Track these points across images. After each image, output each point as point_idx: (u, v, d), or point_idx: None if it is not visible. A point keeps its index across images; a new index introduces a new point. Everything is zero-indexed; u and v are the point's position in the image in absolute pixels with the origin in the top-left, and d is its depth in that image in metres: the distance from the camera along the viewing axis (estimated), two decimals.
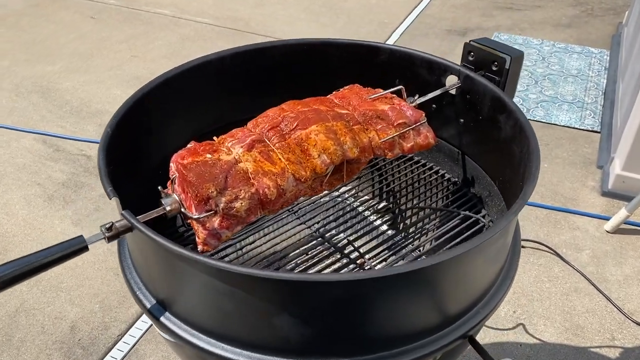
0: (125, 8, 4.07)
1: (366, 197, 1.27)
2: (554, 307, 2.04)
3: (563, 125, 2.96)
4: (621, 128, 2.64)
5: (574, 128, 2.95)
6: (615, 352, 1.88)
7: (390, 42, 3.73)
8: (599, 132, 2.91)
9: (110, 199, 0.81)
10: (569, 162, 2.73)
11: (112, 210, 2.25)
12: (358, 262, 1.03)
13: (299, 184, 0.90)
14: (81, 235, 0.78)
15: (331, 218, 1.16)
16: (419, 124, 1.02)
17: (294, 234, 1.08)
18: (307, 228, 1.10)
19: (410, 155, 1.27)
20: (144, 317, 1.97)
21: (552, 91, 3.25)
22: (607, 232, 2.34)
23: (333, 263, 1.04)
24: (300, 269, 1.04)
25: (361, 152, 0.96)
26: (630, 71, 2.91)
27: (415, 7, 4.26)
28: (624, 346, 1.90)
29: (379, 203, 1.23)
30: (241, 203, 0.83)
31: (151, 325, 1.94)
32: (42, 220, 2.28)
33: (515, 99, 2.01)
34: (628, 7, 3.94)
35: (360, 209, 1.23)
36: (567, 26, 4.03)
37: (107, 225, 0.78)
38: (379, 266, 1.02)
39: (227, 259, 1.05)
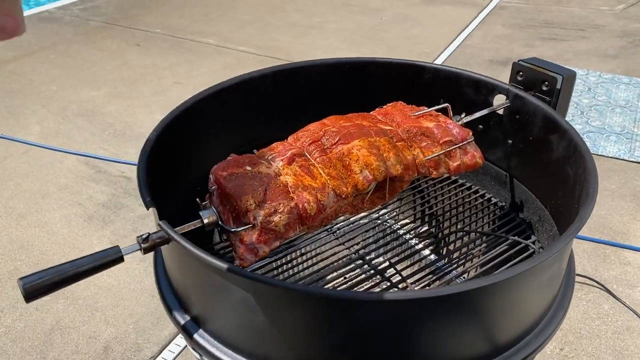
0: (170, 37, 4.18)
1: (407, 220, 1.23)
2: (605, 347, 1.92)
3: (611, 157, 2.86)
4: None
5: (623, 160, 2.84)
6: None
7: None
8: None
9: (148, 209, 0.79)
10: (619, 194, 2.62)
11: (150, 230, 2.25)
12: (400, 286, 0.98)
13: (339, 200, 0.87)
14: (117, 246, 0.76)
15: (371, 240, 1.12)
16: (465, 142, 0.98)
17: (332, 254, 1.04)
18: (346, 249, 1.06)
19: (454, 178, 1.23)
20: (177, 340, 1.94)
21: (598, 122, 3.15)
22: None
23: (373, 286, 1.00)
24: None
25: (405, 169, 0.92)
26: None
27: (457, 37, 4.24)
28: None
29: (421, 226, 1.18)
30: (280, 217, 0.80)
31: (184, 347, 1.91)
32: (81, 239, 2.30)
33: None
34: None
35: (401, 232, 1.18)
36: (613, 57, 3.93)
37: (143, 236, 0.76)
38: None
39: None
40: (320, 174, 0.86)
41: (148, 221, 2.44)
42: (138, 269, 2.13)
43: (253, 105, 1.13)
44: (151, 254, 0.90)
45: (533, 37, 4.19)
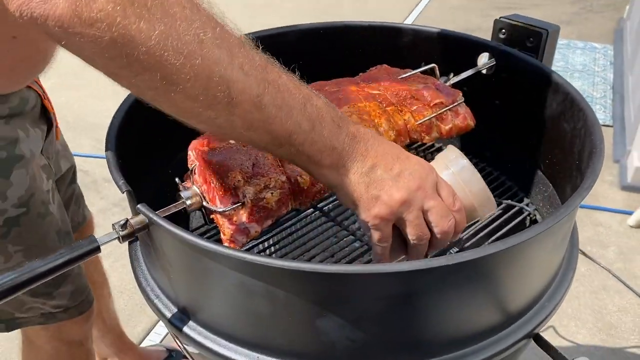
0: None
1: None
2: (584, 307, 1.94)
3: None
4: (636, 121, 2.56)
5: None
6: None
7: None
8: (611, 126, 2.83)
9: (123, 192, 0.71)
10: None
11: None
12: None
13: None
14: (91, 235, 0.68)
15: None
16: (456, 103, 0.93)
17: (322, 232, 0.98)
18: (336, 225, 1.00)
19: (438, 145, 1.18)
20: (151, 336, 1.86)
21: None
22: (631, 226, 2.25)
23: (369, 262, 0.94)
24: None
25: (397, 135, 0.86)
26: None
27: (413, 9, 4.21)
28: None
29: None
30: (271, 193, 0.73)
31: (164, 337, 1.83)
32: None
33: None
34: (628, 2, 3.90)
35: None
36: (567, 23, 3.98)
37: (121, 223, 0.67)
38: None
39: None
40: None
41: (109, 215, 2.32)
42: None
43: None
44: (124, 246, 0.82)
45: (489, 7, 4.19)
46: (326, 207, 1.03)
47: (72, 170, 1.24)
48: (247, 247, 0.96)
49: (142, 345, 1.80)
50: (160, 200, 0.80)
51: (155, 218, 0.65)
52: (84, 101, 3.04)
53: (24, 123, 0.93)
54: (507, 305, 0.71)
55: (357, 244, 0.96)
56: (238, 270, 0.63)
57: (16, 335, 1.18)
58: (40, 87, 1.01)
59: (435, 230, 0.66)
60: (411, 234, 0.66)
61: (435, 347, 0.67)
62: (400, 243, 0.69)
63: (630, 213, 2.27)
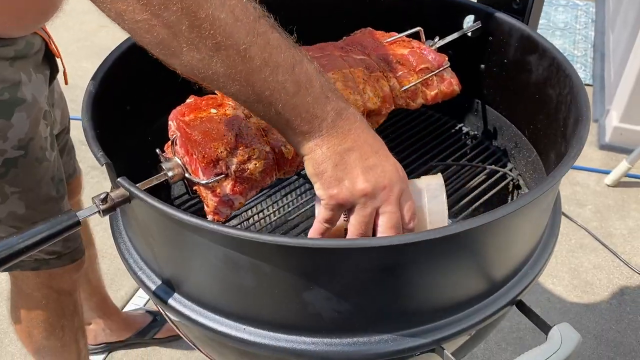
0: None
1: None
2: (561, 265, 1.99)
3: None
4: (615, 80, 2.57)
5: None
6: (625, 308, 1.84)
7: None
8: (591, 85, 2.84)
9: (102, 165, 0.69)
10: None
11: (93, 193, 2.11)
12: None
13: None
14: (70, 210, 0.66)
15: None
16: (442, 68, 0.91)
17: (306, 200, 0.97)
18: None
19: (421, 110, 1.16)
20: (135, 300, 1.86)
21: None
22: (608, 185, 2.28)
23: None
24: None
25: (382, 102, 0.85)
26: (621, 22, 2.84)
27: None
28: (634, 300, 1.86)
29: None
30: (255, 164, 0.72)
31: (146, 302, 1.83)
32: None
33: None
34: None
35: None
36: None
37: (101, 197, 0.66)
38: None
39: None
40: None
41: (88, 178, 2.28)
42: None
43: None
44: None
45: None
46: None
47: (67, 120, 1.23)
48: (231, 216, 0.95)
49: (126, 308, 1.81)
50: (141, 169, 0.79)
51: (136, 192, 0.64)
52: None
53: (27, 67, 0.94)
54: (492, 274, 0.71)
55: None
56: (222, 244, 0.62)
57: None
58: (46, 32, 1.01)
59: (377, 235, 0.65)
60: (354, 227, 0.64)
61: (420, 316, 0.68)
62: (339, 228, 0.68)
63: (607, 172, 2.31)
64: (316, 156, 0.62)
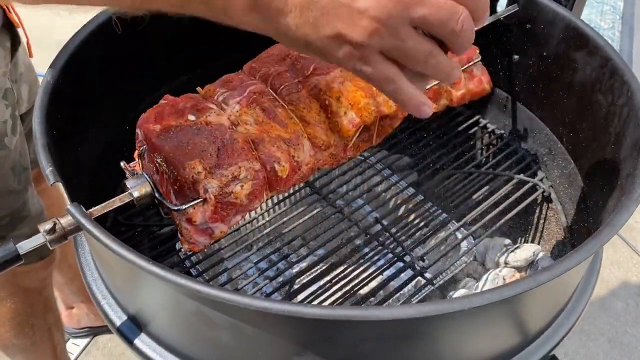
0: None
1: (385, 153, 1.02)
2: None
3: None
4: None
5: None
6: None
7: None
8: None
9: (51, 184, 0.56)
10: None
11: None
12: (402, 255, 0.79)
13: (317, 153, 0.65)
14: (10, 243, 0.53)
15: (344, 188, 0.92)
16: (472, 63, 0.77)
17: (306, 207, 0.84)
18: (322, 199, 0.86)
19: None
20: None
21: None
22: None
23: (358, 250, 0.81)
24: (319, 256, 0.81)
25: (399, 105, 0.71)
26: None
27: None
28: None
29: (401, 160, 0.98)
30: (241, 186, 0.58)
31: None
32: None
33: None
34: None
35: (379, 166, 0.98)
36: None
37: (47, 227, 0.53)
38: (421, 251, 0.79)
39: (217, 245, 0.80)
40: (291, 118, 0.64)
41: None
42: None
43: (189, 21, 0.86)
44: None
45: None
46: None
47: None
48: None
49: None
50: (109, 185, 0.66)
51: (86, 224, 0.51)
52: (48, 17, 2.77)
53: None
54: (524, 330, 0.59)
55: (344, 225, 0.83)
56: (193, 298, 0.50)
57: None
58: None
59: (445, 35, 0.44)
60: (411, 59, 0.45)
61: None
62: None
63: None
64: (283, 33, 0.45)
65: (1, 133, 0.85)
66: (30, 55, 0.98)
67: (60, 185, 0.55)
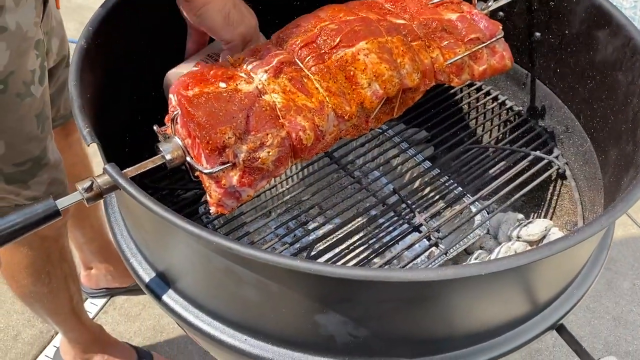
0: None
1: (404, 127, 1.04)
2: None
3: None
4: None
5: None
6: None
7: None
8: None
9: (89, 145, 0.58)
10: None
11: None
12: (418, 226, 0.81)
13: (340, 123, 0.67)
14: (49, 197, 0.56)
15: (361, 160, 0.94)
16: (494, 39, 0.78)
17: (325, 176, 0.86)
18: (341, 169, 0.88)
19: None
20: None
21: None
22: None
23: (376, 218, 0.84)
24: (336, 223, 0.84)
25: (421, 77, 0.72)
26: None
27: None
28: None
29: (418, 134, 1.00)
30: (268, 152, 0.61)
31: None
32: None
33: None
34: None
35: (396, 139, 0.99)
36: None
37: (85, 186, 0.56)
38: (436, 223, 0.81)
39: (237, 211, 0.82)
40: (316, 89, 0.65)
41: None
42: None
43: None
44: None
45: None
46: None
47: (68, 51, 1.10)
48: None
49: None
50: (142, 146, 0.68)
51: (123, 183, 0.54)
52: None
53: None
54: (533, 299, 0.61)
55: (360, 195, 0.85)
56: (224, 256, 0.52)
57: None
58: None
59: None
60: None
61: (450, 342, 0.59)
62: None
63: None
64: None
65: (30, 81, 0.86)
66: (58, 7, 0.99)
67: (98, 146, 0.57)
